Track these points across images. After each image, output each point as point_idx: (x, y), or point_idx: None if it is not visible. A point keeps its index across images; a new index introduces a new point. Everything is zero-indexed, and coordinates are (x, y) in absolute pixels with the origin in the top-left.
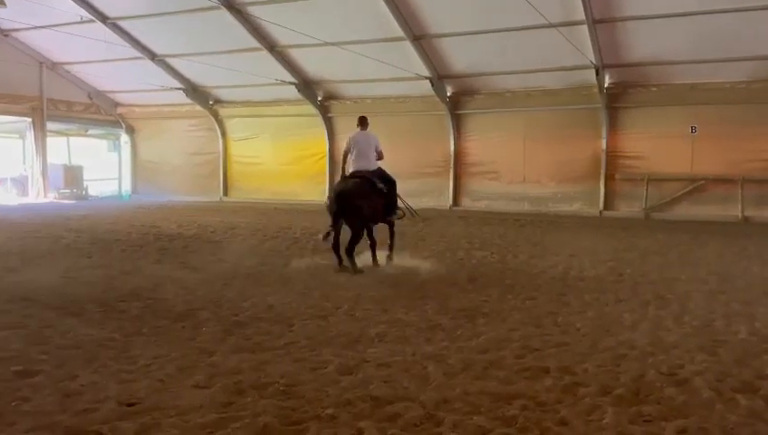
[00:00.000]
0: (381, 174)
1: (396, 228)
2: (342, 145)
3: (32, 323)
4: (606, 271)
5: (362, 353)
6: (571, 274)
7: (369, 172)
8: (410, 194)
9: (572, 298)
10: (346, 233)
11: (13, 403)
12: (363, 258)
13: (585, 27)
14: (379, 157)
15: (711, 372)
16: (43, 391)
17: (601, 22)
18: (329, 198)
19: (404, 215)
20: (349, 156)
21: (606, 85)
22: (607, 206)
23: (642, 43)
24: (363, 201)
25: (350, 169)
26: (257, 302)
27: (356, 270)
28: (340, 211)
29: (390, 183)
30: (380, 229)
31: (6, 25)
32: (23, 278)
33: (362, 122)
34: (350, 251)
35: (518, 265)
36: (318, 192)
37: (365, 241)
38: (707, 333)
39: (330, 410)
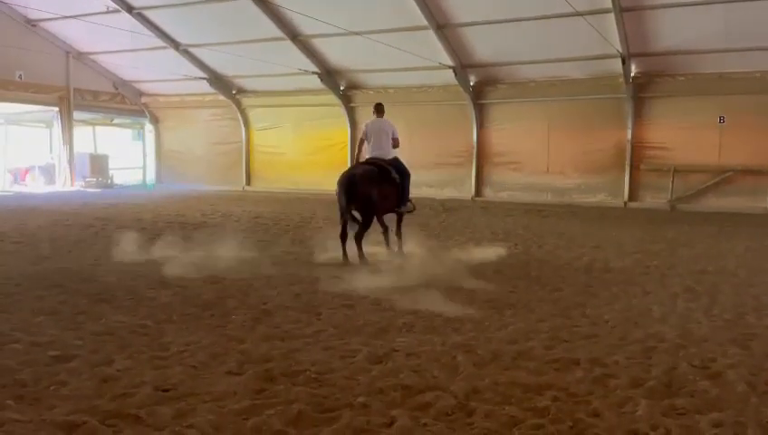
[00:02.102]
0: (396, 164)
1: (412, 219)
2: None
3: (65, 310)
4: (632, 263)
5: (391, 343)
6: (596, 265)
7: (384, 161)
8: (432, 184)
9: (599, 290)
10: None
11: (51, 387)
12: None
13: (612, 15)
14: (395, 144)
15: (744, 366)
16: (80, 376)
17: (629, 10)
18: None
19: (414, 208)
20: (365, 144)
21: (632, 75)
22: (631, 197)
23: (670, 32)
24: (373, 188)
25: (365, 157)
26: (283, 290)
27: (363, 258)
28: (349, 198)
29: (404, 174)
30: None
31: (34, 15)
32: (55, 265)
33: (379, 110)
34: (359, 239)
35: (543, 256)
36: None
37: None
38: (739, 327)
39: (362, 399)
